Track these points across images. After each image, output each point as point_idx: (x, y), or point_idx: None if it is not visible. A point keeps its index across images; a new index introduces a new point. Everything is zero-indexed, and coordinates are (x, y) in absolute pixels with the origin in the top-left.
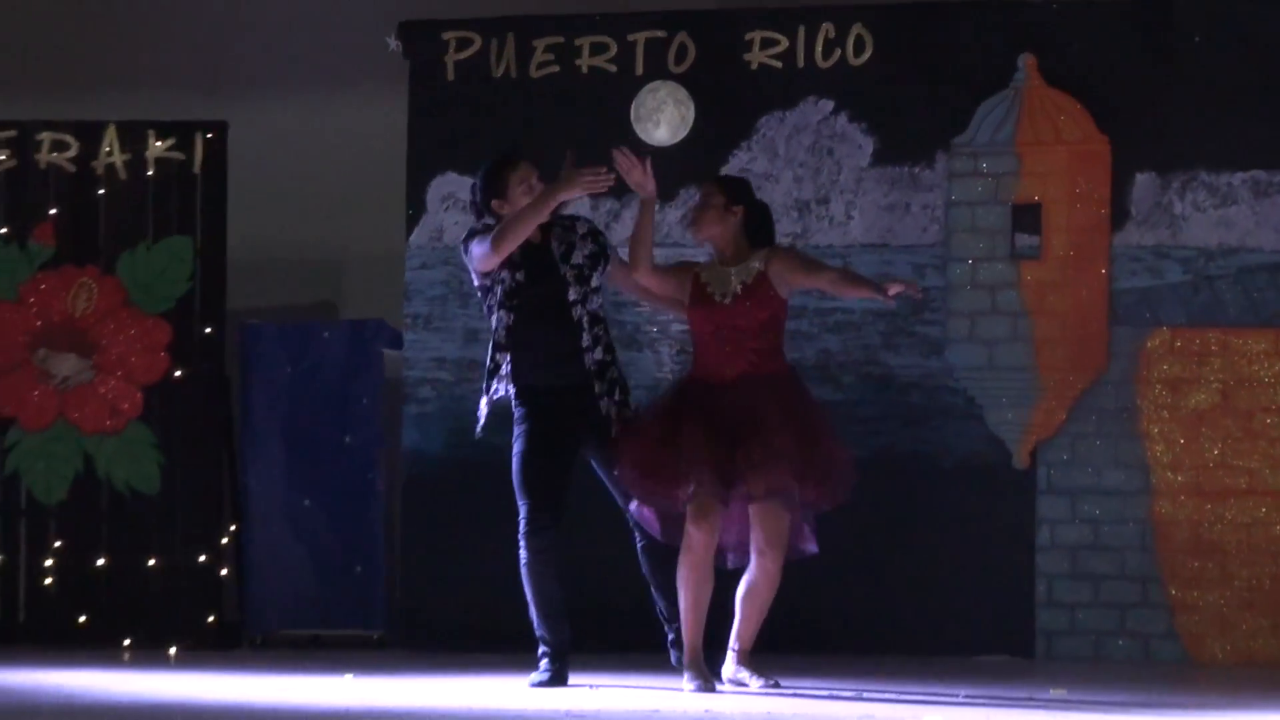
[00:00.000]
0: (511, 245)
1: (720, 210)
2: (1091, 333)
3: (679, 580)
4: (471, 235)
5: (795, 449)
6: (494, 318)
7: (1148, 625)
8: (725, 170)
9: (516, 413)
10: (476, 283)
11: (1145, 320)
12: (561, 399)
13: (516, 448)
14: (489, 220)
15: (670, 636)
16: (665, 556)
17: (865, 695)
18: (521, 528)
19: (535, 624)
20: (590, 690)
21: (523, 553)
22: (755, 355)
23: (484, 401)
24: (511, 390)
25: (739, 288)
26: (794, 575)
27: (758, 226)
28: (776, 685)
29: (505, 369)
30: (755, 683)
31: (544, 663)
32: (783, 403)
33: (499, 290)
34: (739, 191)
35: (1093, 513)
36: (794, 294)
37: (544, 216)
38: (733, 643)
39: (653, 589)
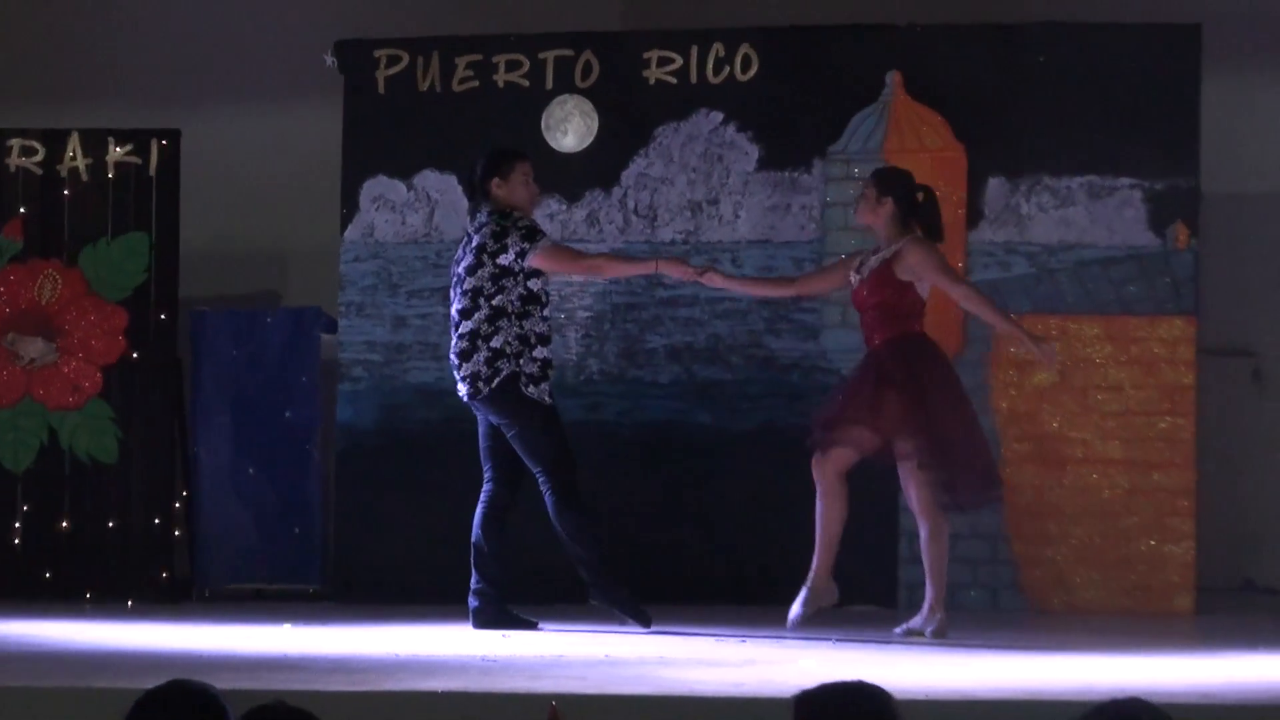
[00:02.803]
0: (586, 269)
1: (872, 201)
2: (949, 319)
3: None
4: (536, 232)
5: (903, 414)
6: (515, 305)
7: (996, 579)
8: (625, 173)
9: (540, 400)
10: (507, 264)
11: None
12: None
13: (542, 432)
14: (534, 222)
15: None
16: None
17: (748, 639)
18: (560, 495)
19: (592, 562)
20: (504, 637)
21: (573, 514)
22: (880, 329)
23: (490, 376)
24: (525, 374)
25: (867, 272)
26: (685, 534)
27: (908, 214)
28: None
29: (532, 353)
30: (927, 630)
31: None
32: (871, 373)
33: (531, 288)
34: (888, 184)
35: None
36: (925, 284)
37: (628, 273)
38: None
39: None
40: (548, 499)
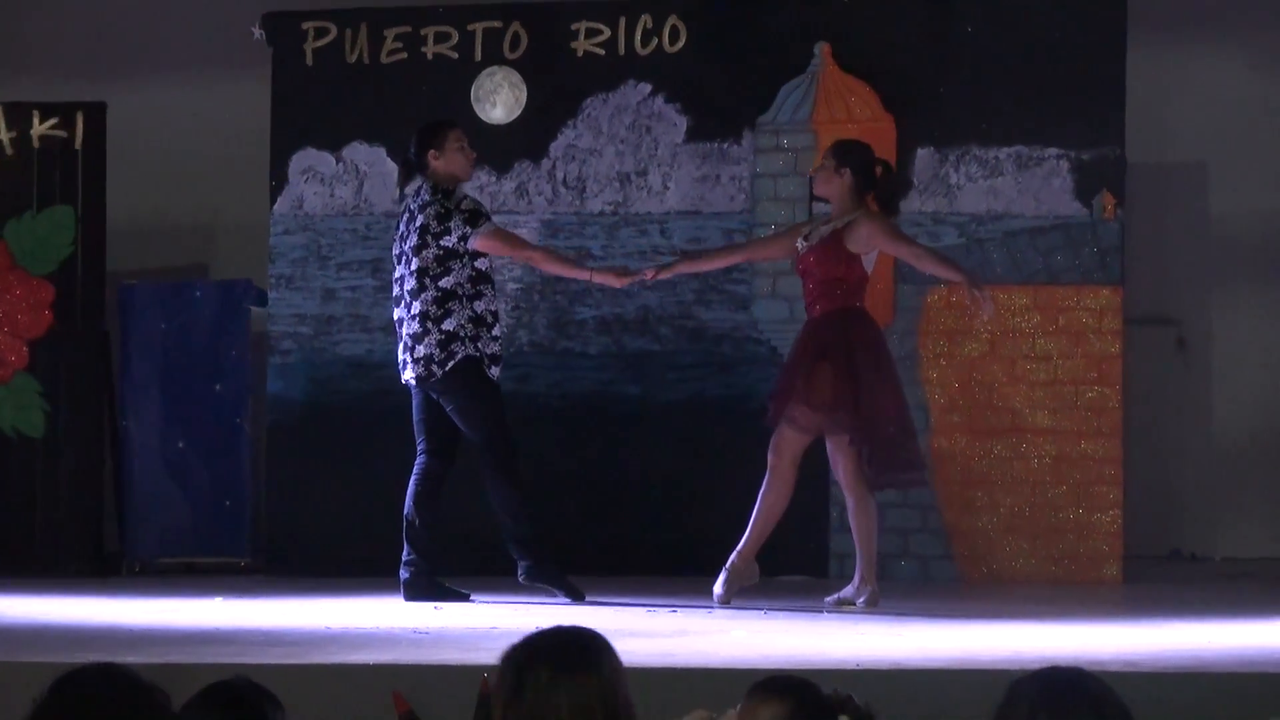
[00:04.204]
0: (524, 258)
1: (830, 172)
2: (879, 289)
3: None
4: (479, 215)
5: (834, 388)
6: (466, 287)
7: (927, 548)
8: (554, 145)
9: (483, 378)
10: (450, 246)
11: (925, 279)
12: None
13: (490, 408)
14: (478, 204)
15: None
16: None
17: (679, 610)
18: (500, 471)
19: (527, 540)
20: (435, 609)
21: (514, 491)
22: (822, 300)
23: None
24: (487, 355)
25: (816, 239)
26: (615, 505)
27: (865, 187)
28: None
29: (490, 333)
30: (858, 601)
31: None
32: (809, 344)
33: (479, 268)
34: (847, 155)
35: None
36: (872, 254)
37: (562, 274)
38: None
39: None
40: (486, 474)
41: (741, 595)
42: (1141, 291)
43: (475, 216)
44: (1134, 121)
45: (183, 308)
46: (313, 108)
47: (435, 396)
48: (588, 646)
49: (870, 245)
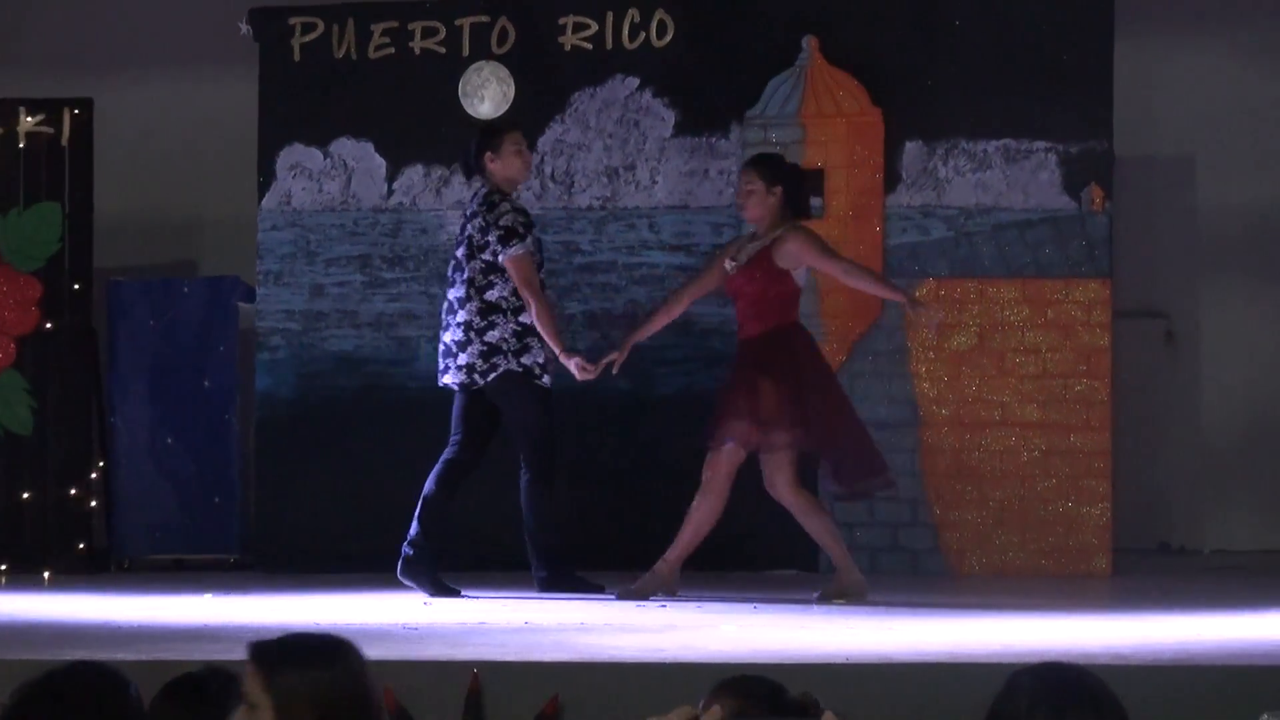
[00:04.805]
0: (524, 297)
1: (763, 194)
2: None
3: None
4: (513, 234)
5: (781, 405)
6: (510, 300)
7: (916, 542)
8: (542, 139)
9: (526, 388)
10: (491, 261)
11: (914, 272)
12: None
13: (534, 420)
14: (521, 218)
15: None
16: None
17: (668, 605)
18: (539, 477)
19: (549, 550)
20: (425, 604)
21: (547, 503)
22: (758, 319)
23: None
24: (537, 364)
25: (745, 259)
26: (602, 499)
27: (793, 199)
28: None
29: (539, 342)
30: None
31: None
32: (746, 363)
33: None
34: (777, 172)
35: None
36: (803, 269)
37: (542, 332)
38: None
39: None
40: (524, 478)
41: (734, 590)
42: (1130, 284)
43: (509, 236)
44: (1122, 115)
45: (171, 304)
46: (300, 103)
47: (489, 397)
48: (332, 647)
49: (799, 261)
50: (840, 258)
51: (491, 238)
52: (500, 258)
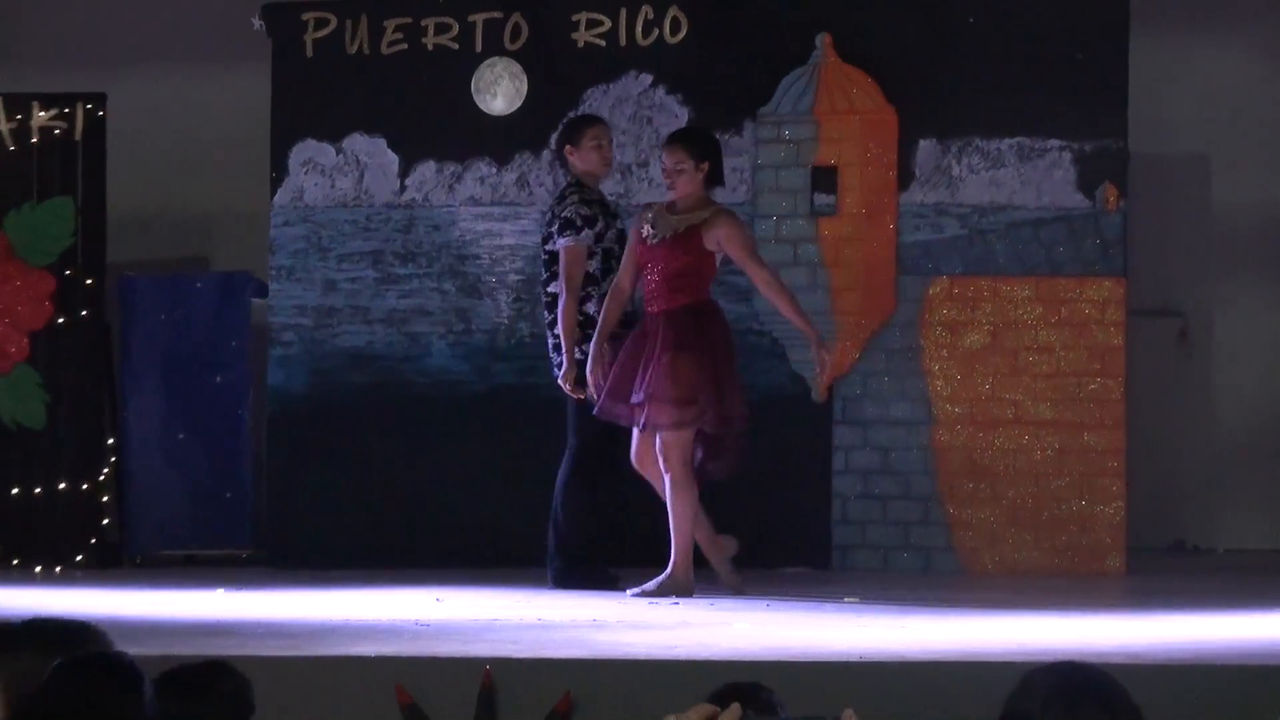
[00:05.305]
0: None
1: (692, 171)
2: (881, 281)
3: None
4: (569, 225)
5: (695, 381)
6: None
7: (929, 540)
8: (555, 136)
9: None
10: (555, 251)
11: (927, 270)
12: None
13: (587, 416)
14: (584, 210)
15: None
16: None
17: (681, 603)
18: (579, 472)
19: (572, 549)
20: (438, 601)
21: (586, 502)
22: (680, 293)
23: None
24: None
25: (670, 233)
26: (620, 495)
27: (716, 175)
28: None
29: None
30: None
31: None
32: (665, 337)
33: (589, 270)
34: (705, 148)
35: (882, 441)
36: (723, 255)
37: (560, 331)
38: None
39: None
40: (565, 468)
41: (746, 588)
42: (1144, 283)
43: (565, 226)
44: (1136, 113)
45: (183, 299)
46: (313, 99)
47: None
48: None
49: (723, 248)
50: (764, 266)
51: (554, 229)
52: (557, 244)
